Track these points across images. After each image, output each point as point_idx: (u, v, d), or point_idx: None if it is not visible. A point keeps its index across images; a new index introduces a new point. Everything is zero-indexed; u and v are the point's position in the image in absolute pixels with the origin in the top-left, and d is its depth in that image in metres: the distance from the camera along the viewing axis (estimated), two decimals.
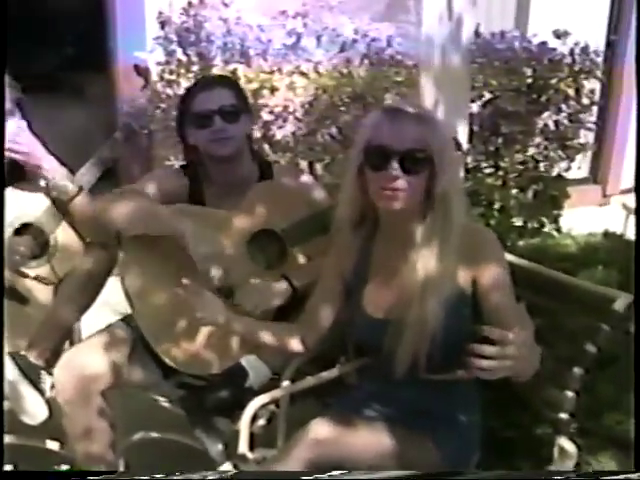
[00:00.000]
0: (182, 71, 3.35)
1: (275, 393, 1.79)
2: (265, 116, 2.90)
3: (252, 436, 1.80)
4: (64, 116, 2.38)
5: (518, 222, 3.62)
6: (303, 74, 2.88)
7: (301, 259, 2.10)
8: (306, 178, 2.22)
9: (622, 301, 1.52)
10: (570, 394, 1.56)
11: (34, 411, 2.00)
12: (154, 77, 3.62)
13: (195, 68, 3.10)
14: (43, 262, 2.25)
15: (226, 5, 3.03)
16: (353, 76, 2.95)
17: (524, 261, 1.74)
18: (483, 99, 3.47)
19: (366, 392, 1.72)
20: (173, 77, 3.46)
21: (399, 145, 1.49)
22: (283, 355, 1.91)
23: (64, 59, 6.29)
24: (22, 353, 2.13)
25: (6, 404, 2.05)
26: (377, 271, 1.69)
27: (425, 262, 1.55)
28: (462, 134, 3.19)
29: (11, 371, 2.06)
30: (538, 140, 3.62)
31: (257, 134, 2.81)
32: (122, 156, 2.39)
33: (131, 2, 4.12)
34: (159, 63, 3.59)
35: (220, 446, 1.74)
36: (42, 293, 2.24)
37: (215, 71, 2.96)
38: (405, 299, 1.58)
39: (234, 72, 2.89)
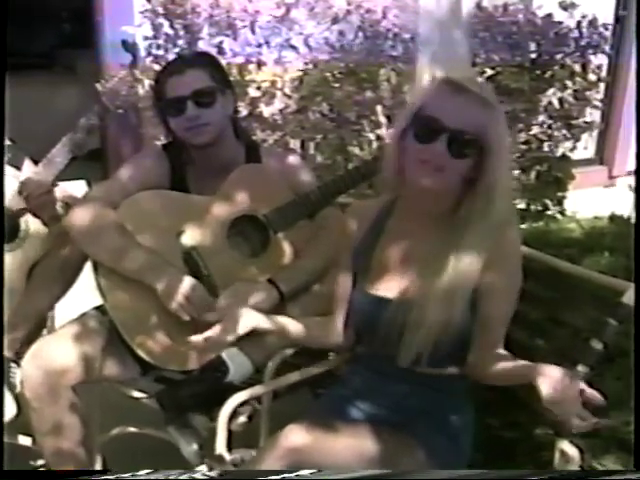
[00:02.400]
0: (170, 46, 3.22)
1: (256, 390, 1.68)
2: (252, 92, 2.76)
3: (232, 435, 1.69)
4: (54, 94, 2.29)
5: (521, 205, 3.49)
6: (293, 47, 2.73)
7: (285, 246, 1.98)
8: (293, 159, 2.10)
9: (631, 293, 1.39)
10: None
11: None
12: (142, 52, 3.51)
13: (181, 42, 2.96)
14: (14, 247, 2.14)
15: None
16: (346, 50, 2.79)
17: (525, 248, 1.61)
18: (484, 75, 3.31)
19: (353, 388, 1.62)
20: (161, 52, 3.33)
21: (452, 122, 1.40)
22: (266, 348, 1.80)
23: (53, 36, 6.20)
24: None
25: None
26: (388, 247, 1.59)
27: (454, 256, 1.46)
28: None
29: None
30: (542, 118, 3.47)
31: (244, 111, 2.67)
32: (96, 136, 2.26)
33: None
34: (146, 38, 3.47)
35: (195, 446, 1.63)
36: (14, 280, 2.13)
37: (201, 45, 2.81)
38: (417, 283, 1.49)
39: (220, 45, 2.74)
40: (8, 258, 2.13)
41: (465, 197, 1.46)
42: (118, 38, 3.94)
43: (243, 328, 1.57)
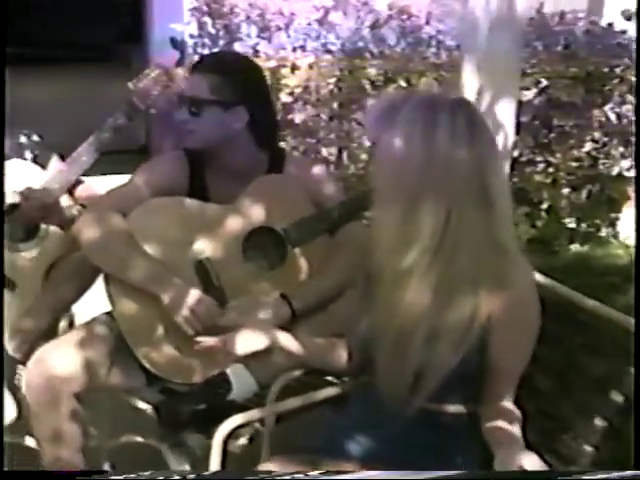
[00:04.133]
0: (212, 45, 3.20)
1: (254, 414, 1.63)
2: (284, 97, 2.69)
3: (230, 456, 1.64)
4: (107, 88, 2.31)
5: (571, 224, 3.32)
6: (329, 52, 2.66)
7: (302, 262, 1.92)
8: (318, 170, 2.03)
9: None
10: (588, 448, 1.32)
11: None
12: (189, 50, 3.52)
13: (222, 42, 2.93)
14: (32, 245, 2.14)
15: None
16: (385, 56, 2.70)
17: (547, 280, 1.50)
18: (537, 87, 3.16)
19: (354, 419, 1.56)
20: (206, 51, 3.32)
21: None
22: (273, 367, 1.74)
23: (112, 29, 6.31)
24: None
25: None
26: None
27: (466, 282, 1.37)
28: (509, 124, 2.93)
29: None
30: (597, 135, 3.28)
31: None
32: (123, 135, 2.25)
33: None
34: (192, 36, 3.47)
35: (186, 466, 1.58)
36: (30, 280, 2.13)
37: (237, 47, 2.76)
38: (425, 313, 1.41)
39: (255, 48, 2.69)
40: (25, 257, 2.14)
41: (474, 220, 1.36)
42: (167, 35, 4.01)
43: (241, 350, 1.51)
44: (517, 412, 1.35)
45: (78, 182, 2.26)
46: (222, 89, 1.86)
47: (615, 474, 1.10)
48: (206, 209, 1.91)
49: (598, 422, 1.29)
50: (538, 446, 1.35)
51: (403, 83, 2.72)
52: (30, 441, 2.10)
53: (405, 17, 2.81)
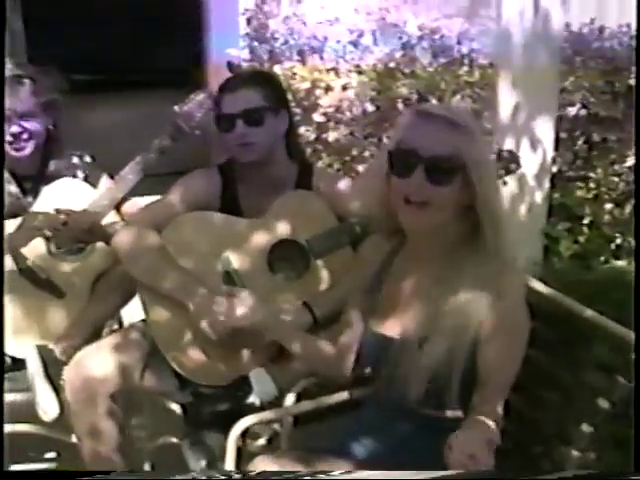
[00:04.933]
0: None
1: (267, 414, 1.71)
2: (317, 118, 2.80)
3: (244, 455, 1.74)
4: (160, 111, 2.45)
5: (617, 240, 3.28)
6: (361, 73, 2.75)
7: (324, 273, 2.01)
8: (344, 185, 2.12)
9: None
10: (576, 453, 1.35)
11: (45, 407, 2.05)
12: None
13: (266, 65, 3.07)
14: (81, 258, 2.31)
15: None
16: (416, 75, 2.77)
17: (544, 287, 1.54)
18: (575, 103, 3.15)
19: (360, 423, 1.64)
20: None
21: (426, 150, 1.40)
22: (293, 372, 1.83)
23: (162, 56, 6.50)
24: (50, 347, 2.19)
25: (28, 396, 2.11)
26: (395, 286, 1.59)
27: (456, 293, 1.43)
28: (547, 140, 2.94)
29: (34, 363, 2.12)
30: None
31: (312, 136, 2.72)
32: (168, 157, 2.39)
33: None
34: (244, 60, 3.63)
35: (203, 462, 1.68)
36: (79, 288, 2.30)
37: (277, 69, 2.89)
38: (421, 322, 1.47)
39: (291, 70, 2.81)
40: (73, 267, 2.31)
41: (468, 228, 1.43)
42: (224, 60, 4.20)
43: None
44: (493, 426, 1.36)
45: (125, 199, 2.41)
46: (271, 97, 2.00)
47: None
48: (234, 223, 2.03)
49: (585, 428, 1.32)
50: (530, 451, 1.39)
51: (435, 101, 2.78)
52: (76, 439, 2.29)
53: (437, 37, 2.88)
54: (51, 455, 2.43)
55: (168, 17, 5.91)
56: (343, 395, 1.76)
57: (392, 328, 1.53)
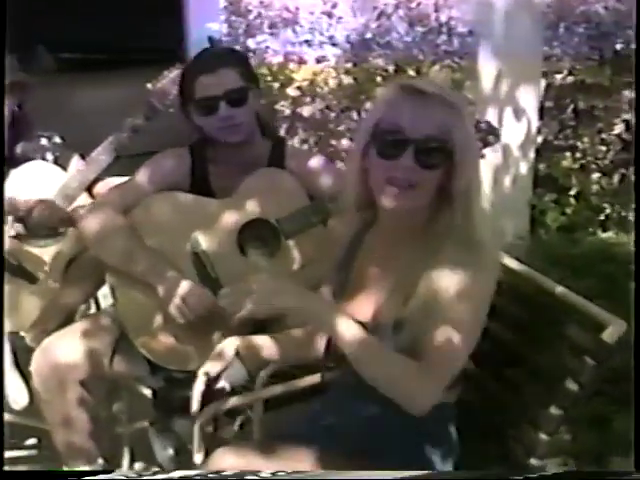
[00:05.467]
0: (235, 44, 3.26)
1: (234, 400, 1.68)
2: (291, 92, 2.72)
3: (222, 442, 1.70)
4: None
5: (606, 211, 3.21)
6: (335, 45, 2.67)
7: (296, 253, 1.96)
8: (316, 162, 2.06)
9: (614, 330, 1.25)
10: (544, 437, 1.30)
11: (15, 396, 2.02)
12: None
13: (242, 40, 2.99)
14: (52, 243, 2.26)
15: None
16: (392, 46, 2.69)
17: (515, 263, 1.49)
18: (560, 71, 3.07)
19: (326, 408, 1.60)
20: None
21: (417, 132, 1.31)
22: (262, 356, 1.79)
23: (147, 34, 6.37)
24: (22, 334, 2.15)
25: None
26: (364, 266, 1.53)
27: (427, 275, 1.36)
28: (531, 109, 2.86)
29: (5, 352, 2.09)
30: (627, 117, 3.16)
31: (286, 111, 2.65)
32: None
33: None
34: (224, 35, 3.54)
35: (170, 451, 1.65)
36: (51, 274, 2.25)
37: (250, 43, 2.81)
38: (392, 305, 1.41)
39: (260, 44, 2.73)
40: (46, 252, 2.26)
41: (441, 209, 1.36)
42: (204, 35, 4.11)
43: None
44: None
45: (97, 180, 2.36)
46: (247, 75, 1.94)
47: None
48: (203, 203, 1.98)
49: (553, 411, 1.27)
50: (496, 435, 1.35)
51: (413, 73, 2.70)
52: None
53: (413, 5, 2.78)
54: (32, 442, 2.42)
55: None
56: (315, 378, 1.72)
57: (363, 311, 1.47)
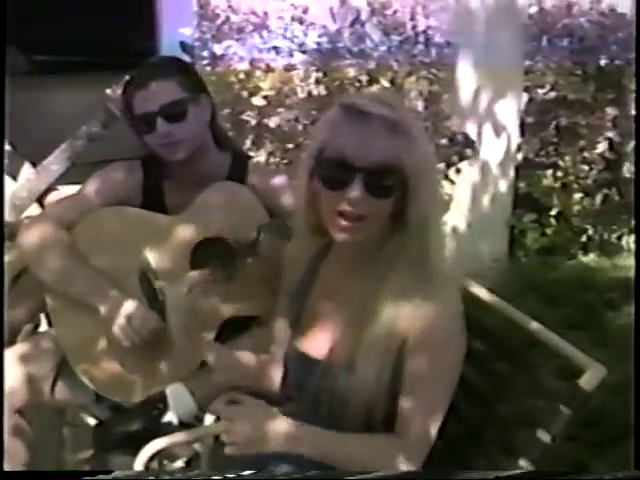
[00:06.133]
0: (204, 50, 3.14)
1: (180, 436, 1.54)
2: (257, 101, 2.60)
3: None
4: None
5: (589, 232, 3.11)
6: (304, 52, 2.54)
7: (255, 274, 1.83)
8: (279, 180, 1.93)
9: (592, 375, 1.12)
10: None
11: None
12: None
13: (210, 45, 2.86)
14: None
15: None
16: (366, 54, 2.57)
17: (486, 294, 1.37)
18: (542, 86, 2.97)
19: None
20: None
21: (363, 160, 1.19)
22: (213, 386, 1.66)
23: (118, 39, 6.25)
24: None
25: None
26: (319, 297, 1.42)
27: (379, 303, 1.26)
28: (512, 125, 2.76)
29: None
30: (610, 135, 3.07)
31: (252, 121, 2.52)
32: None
33: None
34: (195, 39, 3.42)
35: None
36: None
37: (217, 49, 2.69)
38: (346, 342, 1.31)
39: (227, 49, 2.61)
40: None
41: (394, 237, 1.25)
42: (176, 39, 3.99)
43: None
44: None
45: (50, 190, 2.23)
46: (188, 84, 1.79)
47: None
48: (154, 218, 1.85)
49: (522, 462, 1.14)
50: None
51: (387, 83, 2.58)
52: None
53: (388, 13, 2.66)
54: None
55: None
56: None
57: (317, 347, 1.36)
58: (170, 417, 1.68)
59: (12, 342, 2.13)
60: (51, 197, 2.25)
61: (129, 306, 1.71)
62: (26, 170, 2.25)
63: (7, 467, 1.84)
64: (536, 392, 1.19)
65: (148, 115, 1.76)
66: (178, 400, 1.69)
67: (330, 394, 1.30)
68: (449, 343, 1.24)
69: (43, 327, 2.33)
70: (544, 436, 1.13)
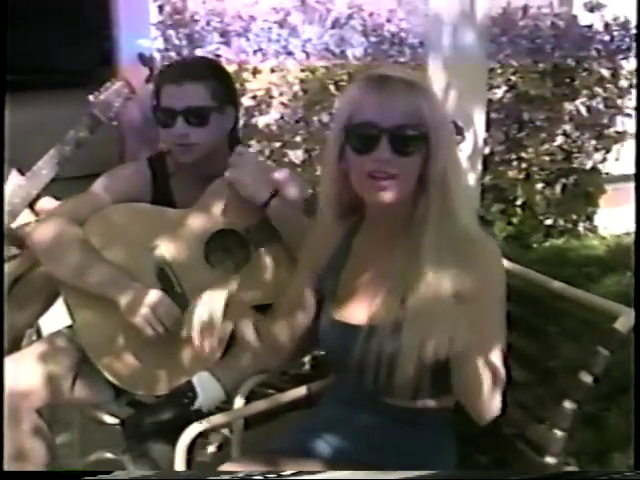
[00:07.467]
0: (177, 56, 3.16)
1: (215, 420, 1.57)
2: (245, 102, 2.66)
3: (199, 464, 1.59)
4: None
5: (548, 221, 3.29)
6: (290, 54, 2.63)
7: (268, 261, 1.87)
8: (279, 175, 1.97)
9: (626, 319, 1.23)
10: (559, 433, 1.27)
11: None
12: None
13: (186, 52, 2.90)
14: None
15: None
16: (346, 56, 2.67)
17: (512, 265, 1.46)
18: (505, 82, 3.14)
19: (322, 419, 1.52)
20: None
21: (389, 121, 1.28)
22: (240, 372, 1.69)
23: (93, 53, 6.17)
24: None
25: None
26: (355, 269, 1.47)
27: (420, 267, 1.30)
28: (479, 121, 2.91)
29: None
30: (567, 128, 3.27)
31: (240, 121, 2.57)
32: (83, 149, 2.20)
33: None
34: (159, 50, 3.43)
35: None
36: None
37: (198, 53, 2.73)
38: (389, 306, 1.35)
39: (215, 53, 2.66)
40: None
41: (420, 199, 1.32)
42: (135, 52, 3.97)
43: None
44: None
45: (39, 196, 2.21)
46: (219, 93, 1.81)
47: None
48: (166, 213, 1.88)
49: (568, 405, 1.24)
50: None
51: None
52: None
53: (366, 15, 2.79)
54: None
55: (74, 13, 5.61)
56: (300, 391, 1.63)
57: (357, 316, 1.41)
58: (199, 405, 1.71)
59: (17, 347, 2.13)
60: (42, 203, 2.23)
61: (153, 295, 1.72)
62: (13, 177, 2.23)
63: (28, 468, 1.83)
64: (575, 339, 1.29)
65: (171, 111, 1.78)
66: (205, 388, 1.71)
67: (377, 358, 1.33)
68: (498, 293, 1.30)
69: (44, 330, 2.31)
70: (586, 377, 1.24)
